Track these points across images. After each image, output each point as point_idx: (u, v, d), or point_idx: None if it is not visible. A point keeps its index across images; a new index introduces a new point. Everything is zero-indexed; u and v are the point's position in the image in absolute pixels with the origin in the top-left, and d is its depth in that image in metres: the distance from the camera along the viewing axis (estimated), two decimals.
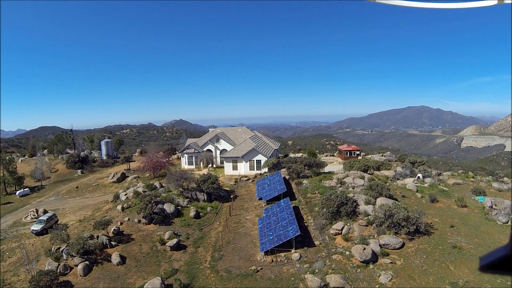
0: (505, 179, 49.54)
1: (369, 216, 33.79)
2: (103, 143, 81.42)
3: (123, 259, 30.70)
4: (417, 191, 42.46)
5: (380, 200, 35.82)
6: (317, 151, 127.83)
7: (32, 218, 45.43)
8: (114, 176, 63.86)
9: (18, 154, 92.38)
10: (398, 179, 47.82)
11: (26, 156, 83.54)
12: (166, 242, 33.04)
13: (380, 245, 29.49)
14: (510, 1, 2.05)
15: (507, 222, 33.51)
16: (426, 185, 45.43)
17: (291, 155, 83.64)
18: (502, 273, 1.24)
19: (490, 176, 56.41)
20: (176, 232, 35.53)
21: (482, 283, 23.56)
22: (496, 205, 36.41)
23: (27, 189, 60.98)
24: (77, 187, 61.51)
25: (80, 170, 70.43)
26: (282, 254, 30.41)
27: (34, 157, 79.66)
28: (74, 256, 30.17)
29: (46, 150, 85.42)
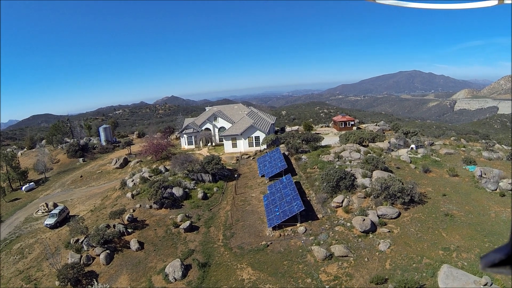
0: (496, 146, 51.91)
1: (367, 189, 36.06)
2: (101, 129, 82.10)
3: (141, 245, 32.83)
4: (410, 162, 44.77)
5: (376, 173, 38.05)
6: (311, 119, 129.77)
7: (43, 212, 46.36)
8: (116, 162, 65.23)
9: (15, 146, 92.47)
10: (392, 150, 50.04)
11: (25, 149, 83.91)
12: (179, 225, 35.17)
13: (378, 216, 31.95)
14: (510, 1, 2.07)
15: (496, 190, 36.13)
16: (419, 155, 47.73)
17: (288, 128, 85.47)
18: (504, 271, 1.24)
19: (483, 140, 58.86)
20: (187, 215, 37.60)
21: (472, 248, 26.28)
22: (485, 174, 38.91)
23: (32, 183, 61.49)
24: (81, 176, 62.68)
25: (81, 159, 71.47)
26: (289, 228, 32.74)
27: (33, 149, 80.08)
28: (95, 247, 32.02)
29: (44, 140, 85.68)
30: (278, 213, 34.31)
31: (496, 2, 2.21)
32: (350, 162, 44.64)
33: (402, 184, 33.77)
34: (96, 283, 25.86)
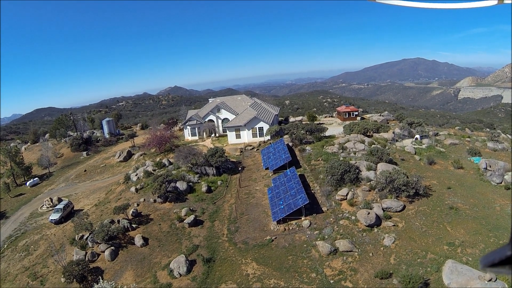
0: (502, 136, 51.21)
1: (371, 182, 35.80)
2: (104, 122, 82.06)
3: (145, 241, 32.91)
4: (415, 153, 44.33)
5: (381, 166, 37.70)
6: (314, 109, 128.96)
7: (47, 207, 46.35)
8: (120, 155, 65.16)
9: (19, 141, 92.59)
10: (397, 141, 49.59)
11: (29, 143, 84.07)
12: (184, 219, 35.18)
13: (383, 209, 31.77)
14: (510, 1, 2.09)
15: (501, 183, 35.66)
16: (423, 146, 47.26)
17: (291, 118, 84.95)
18: (504, 271, 1.25)
19: (487, 129, 58.18)
20: (191, 208, 37.56)
21: (476, 243, 26.10)
22: (490, 166, 38.34)
23: (37, 178, 61.53)
24: (85, 171, 62.69)
25: (85, 152, 71.40)
26: (293, 222, 32.65)
27: (37, 144, 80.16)
28: (100, 243, 32.16)
29: (47, 134, 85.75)
30: (282, 207, 34.21)
31: (495, 2, 2.26)
32: (355, 153, 44.30)
33: (407, 177, 33.49)
34: (101, 280, 26.04)
